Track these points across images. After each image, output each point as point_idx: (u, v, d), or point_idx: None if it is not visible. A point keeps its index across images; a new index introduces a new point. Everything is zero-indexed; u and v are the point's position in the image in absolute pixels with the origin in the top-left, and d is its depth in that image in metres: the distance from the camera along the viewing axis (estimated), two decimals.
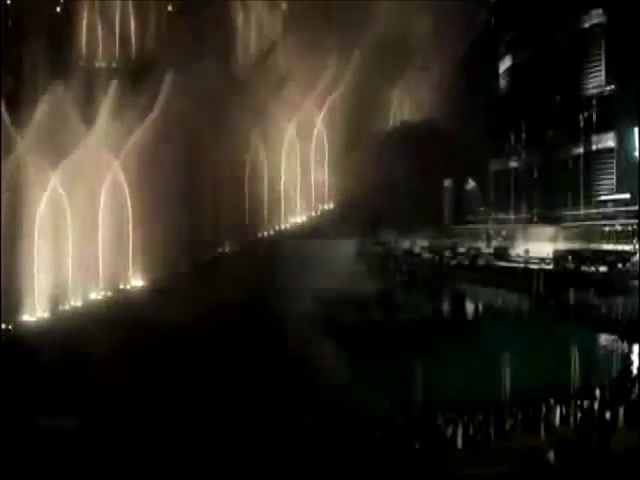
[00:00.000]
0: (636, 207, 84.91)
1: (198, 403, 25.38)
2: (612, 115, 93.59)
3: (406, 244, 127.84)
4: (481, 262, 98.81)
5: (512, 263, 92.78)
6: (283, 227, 69.68)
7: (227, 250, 61.83)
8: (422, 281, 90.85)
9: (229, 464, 19.56)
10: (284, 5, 71.24)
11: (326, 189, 69.98)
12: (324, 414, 22.99)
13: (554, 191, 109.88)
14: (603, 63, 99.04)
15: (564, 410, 23.06)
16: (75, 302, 48.88)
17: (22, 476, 19.73)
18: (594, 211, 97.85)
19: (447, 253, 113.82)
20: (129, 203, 53.60)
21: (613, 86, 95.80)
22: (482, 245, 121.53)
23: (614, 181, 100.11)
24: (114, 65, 66.22)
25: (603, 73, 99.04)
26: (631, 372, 33.78)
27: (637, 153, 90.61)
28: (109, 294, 51.55)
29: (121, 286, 53.95)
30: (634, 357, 38.74)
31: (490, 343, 35.06)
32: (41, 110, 47.87)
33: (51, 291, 45.80)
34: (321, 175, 69.27)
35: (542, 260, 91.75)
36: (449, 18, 62.32)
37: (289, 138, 67.43)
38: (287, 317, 43.11)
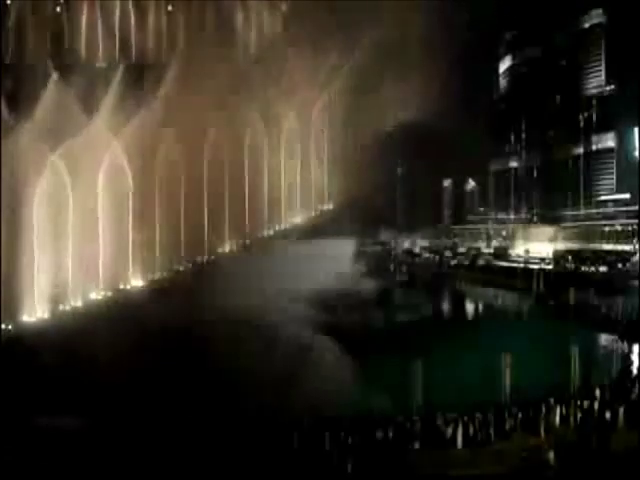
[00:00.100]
0: (636, 207, 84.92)
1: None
2: (612, 115, 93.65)
3: (406, 244, 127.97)
4: (481, 262, 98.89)
5: (512, 263, 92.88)
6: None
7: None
8: (422, 281, 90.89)
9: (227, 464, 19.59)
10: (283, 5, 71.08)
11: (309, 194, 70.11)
12: (324, 414, 23.01)
13: (554, 191, 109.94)
14: (603, 63, 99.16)
15: (564, 410, 23.06)
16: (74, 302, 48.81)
17: (22, 476, 19.74)
18: (594, 211, 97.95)
19: (447, 253, 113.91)
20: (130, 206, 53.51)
21: (613, 86, 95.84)
22: (482, 245, 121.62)
23: (614, 181, 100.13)
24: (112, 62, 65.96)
25: (603, 73, 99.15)
26: (631, 372, 33.77)
27: (637, 153, 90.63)
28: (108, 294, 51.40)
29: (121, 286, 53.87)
30: (634, 357, 38.73)
31: (490, 343, 35.02)
32: (41, 108, 47.71)
33: (50, 291, 45.74)
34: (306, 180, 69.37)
35: (542, 260, 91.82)
36: (445, 18, 62.35)
37: (279, 143, 67.48)
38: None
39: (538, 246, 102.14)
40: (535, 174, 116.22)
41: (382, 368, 30.64)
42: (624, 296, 55.38)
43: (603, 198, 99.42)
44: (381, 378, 28.44)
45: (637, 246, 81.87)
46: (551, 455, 19.03)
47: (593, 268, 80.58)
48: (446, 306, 70.43)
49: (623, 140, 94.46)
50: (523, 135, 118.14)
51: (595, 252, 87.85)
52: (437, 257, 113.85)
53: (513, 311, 61.85)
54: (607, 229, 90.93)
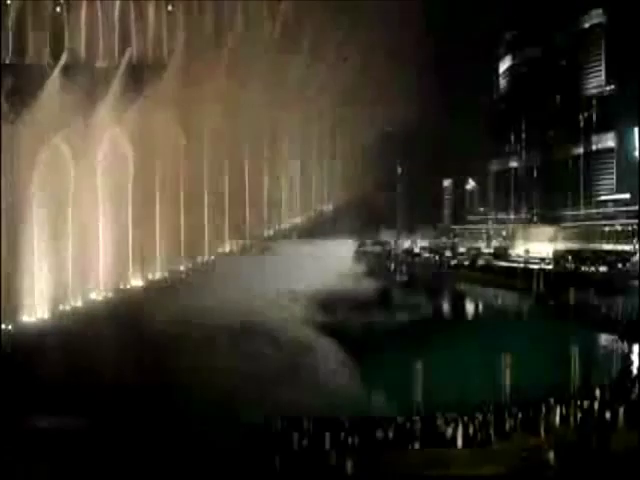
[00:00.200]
0: (636, 207, 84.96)
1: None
2: (612, 115, 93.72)
3: (406, 244, 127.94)
4: (481, 262, 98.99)
5: (512, 263, 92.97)
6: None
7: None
8: (422, 281, 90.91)
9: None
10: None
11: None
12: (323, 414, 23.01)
13: (554, 191, 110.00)
14: (603, 63, 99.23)
15: (564, 410, 23.05)
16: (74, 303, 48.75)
17: (22, 476, 19.76)
18: (594, 211, 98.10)
19: (447, 253, 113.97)
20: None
21: (613, 86, 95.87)
22: (482, 245, 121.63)
23: (614, 181, 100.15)
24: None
25: (603, 73, 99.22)
26: (631, 372, 33.79)
27: (637, 153, 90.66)
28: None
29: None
30: (634, 357, 38.73)
31: (490, 343, 35.01)
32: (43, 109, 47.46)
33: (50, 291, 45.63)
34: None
35: (542, 260, 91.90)
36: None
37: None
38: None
39: (538, 246, 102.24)
40: (535, 174, 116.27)
41: (381, 368, 30.62)
42: (624, 296, 55.39)
43: (603, 198, 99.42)
44: (380, 378, 28.42)
45: (637, 246, 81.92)
46: (551, 455, 19.03)
47: (593, 268, 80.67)
48: (446, 306, 70.39)
49: (623, 140, 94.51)
50: (523, 135, 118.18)
51: (595, 252, 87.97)
52: (437, 257, 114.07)
53: (513, 311, 61.82)
54: (607, 229, 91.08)
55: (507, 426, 22.05)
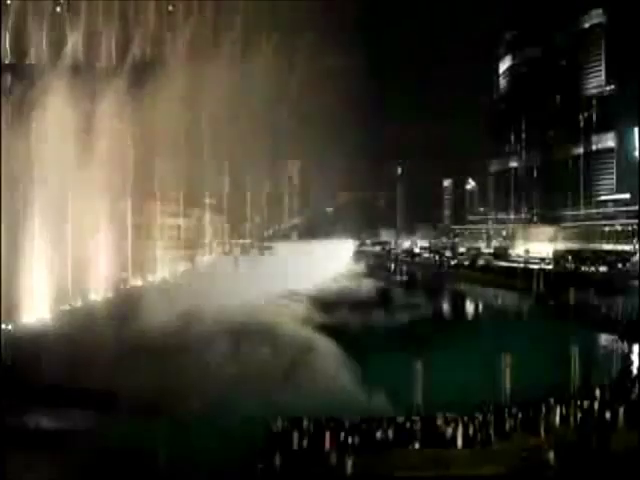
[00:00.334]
0: (636, 207, 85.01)
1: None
2: (612, 115, 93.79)
3: (406, 244, 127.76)
4: (481, 262, 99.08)
5: (512, 263, 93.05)
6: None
7: None
8: (422, 281, 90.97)
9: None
10: None
11: None
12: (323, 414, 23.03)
13: (554, 191, 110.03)
14: (603, 63, 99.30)
15: (564, 410, 23.04)
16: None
17: (22, 475, 19.81)
18: (594, 211, 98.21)
19: (447, 253, 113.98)
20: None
21: (613, 86, 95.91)
22: (482, 245, 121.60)
23: (614, 181, 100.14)
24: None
25: (603, 73, 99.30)
26: (631, 372, 33.80)
27: (637, 153, 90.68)
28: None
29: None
30: (634, 357, 38.73)
31: (490, 343, 35.00)
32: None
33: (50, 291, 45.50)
34: None
35: (542, 260, 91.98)
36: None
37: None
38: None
39: (538, 246, 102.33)
40: (535, 174, 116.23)
41: (381, 368, 30.62)
42: (624, 296, 55.42)
43: (603, 198, 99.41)
44: (380, 378, 28.41)
45: (637, 246, 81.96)
46: (551, 455, 19.04)
47: (593, 268, 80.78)
48: (446, 306, 70.38)
49: (623, 140, 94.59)
50: (523, 135, 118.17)
51: (595, 252, 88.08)
52: (437, 257, 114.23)
53: (513, 311, 61.81)
54: (607, 229, 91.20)
55: (507, 426, 22.04)
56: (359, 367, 30.08)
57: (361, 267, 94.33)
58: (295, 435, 20.48)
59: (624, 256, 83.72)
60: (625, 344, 41.30)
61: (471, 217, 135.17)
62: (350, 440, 20.49)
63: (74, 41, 63.36)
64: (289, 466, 18.94)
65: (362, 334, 40.80)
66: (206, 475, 19.52)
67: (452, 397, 24.20)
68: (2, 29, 64.24)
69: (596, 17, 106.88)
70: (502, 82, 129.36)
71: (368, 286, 69.41)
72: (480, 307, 68.86)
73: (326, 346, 35.16)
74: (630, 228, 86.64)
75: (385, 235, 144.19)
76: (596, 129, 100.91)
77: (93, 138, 49.60)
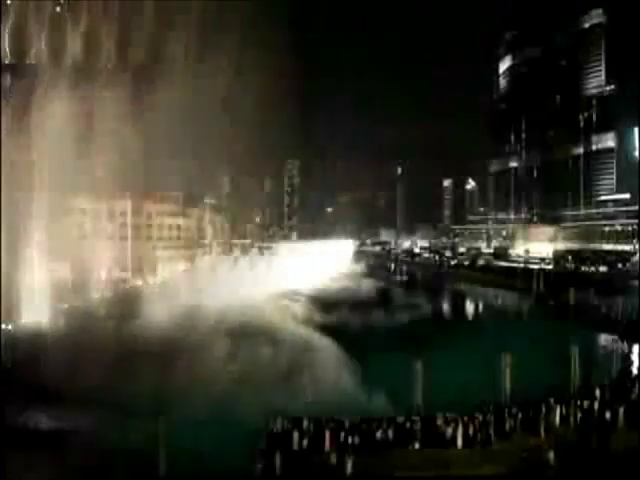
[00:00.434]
0: (636, 207, 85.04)
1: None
2: (612, 115, 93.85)
3: (406, 244, 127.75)
4: (481, 262, 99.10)
5: (512, 263, 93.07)
6: None
7: None
8: (422, 281, 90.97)
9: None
10: None
11: None
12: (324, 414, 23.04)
13: (554, 191, 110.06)
14: (603, 63, 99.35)
15: (564, 410, 23.04)
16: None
17: (22, 475, 19.81)
18: (594, 211, 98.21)
19: (447, 253, 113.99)
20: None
21: (613, 86, 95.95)
22: (482, 245, 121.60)
23: (614, 181, 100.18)
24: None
25: (603, 73, 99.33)
26: (631, 372, 33.80)
27: (637, 153, 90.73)
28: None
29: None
30: (634, 357, 38.74)
31: (490, 343, 34.97)
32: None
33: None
34: None
35: (542, 260, 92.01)
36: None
37: None
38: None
39: (538, 246, 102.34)
40: (535, 174, 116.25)
41: (382, 367, 30.62)
42: (624, 296, 55.43)
43: (603, 198, 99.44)
44: (380, 378, 28.41)
45: (637, 246, 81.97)
46: (551, 455, 19.04)
47: (593, 268, 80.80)
48: (446, 306, 70.38)
49: (623, 140, 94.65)
50: (523, 135, 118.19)
51: (595, 252, 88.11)
52: (437, 257, 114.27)
53: (513, 311, 61.80)
54: (607, 229, 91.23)
55: (507, 426, 22.04)
56: (359, 367, 30.08)
57: (361, 267, 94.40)
58: (295, 435, 20.49)
59: (624, 256, 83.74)
60: (625, 344, 41.32)
61: (471, 217, 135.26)
62: (350, 440, 20.52)
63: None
64: (289, 466, 18.93)
65: (362, 334, 40.80)
66: (206, 475, 19.52)
67: (452, 397, 24.20)
68: (2, 29, 64.21)
69: (596, 17, 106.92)
70: (502, 82, 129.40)
71: (368, 286, 69.46)
72: (480, 307, 68.83)
73: (326, 346, 35.20)
74: (630, 228, 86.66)
75: (385, 235, 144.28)
76: (596, 129, 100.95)
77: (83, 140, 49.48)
